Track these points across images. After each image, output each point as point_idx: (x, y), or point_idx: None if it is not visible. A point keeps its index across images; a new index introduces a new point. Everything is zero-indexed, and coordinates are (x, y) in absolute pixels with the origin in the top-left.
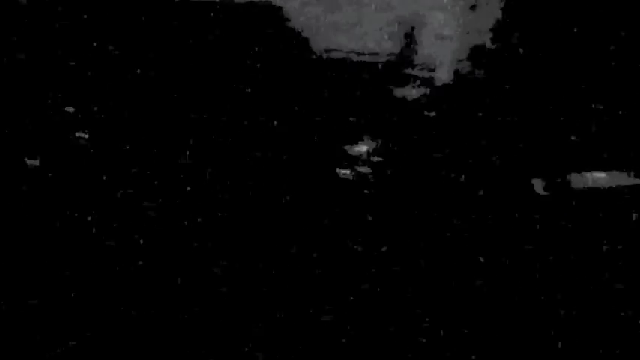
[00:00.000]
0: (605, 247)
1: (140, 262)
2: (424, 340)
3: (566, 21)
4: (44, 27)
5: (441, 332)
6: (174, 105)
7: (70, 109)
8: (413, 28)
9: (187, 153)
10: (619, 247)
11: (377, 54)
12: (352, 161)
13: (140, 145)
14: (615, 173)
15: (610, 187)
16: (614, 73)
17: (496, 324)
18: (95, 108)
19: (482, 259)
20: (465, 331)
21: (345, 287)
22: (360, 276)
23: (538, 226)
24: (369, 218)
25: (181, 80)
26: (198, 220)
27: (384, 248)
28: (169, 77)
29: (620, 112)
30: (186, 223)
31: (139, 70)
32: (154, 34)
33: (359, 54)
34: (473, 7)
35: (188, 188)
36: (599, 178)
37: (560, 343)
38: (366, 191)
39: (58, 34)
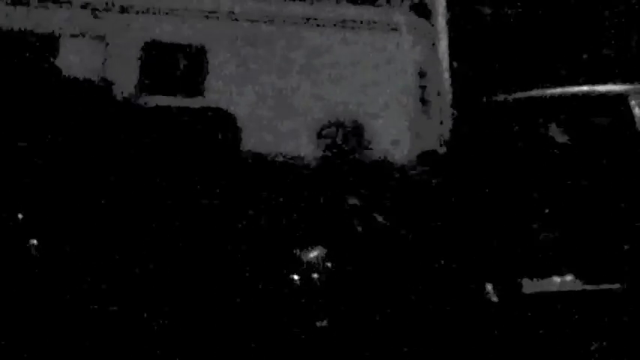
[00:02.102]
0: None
1: None
2: None
3: (513, 123)
4: None
5: None
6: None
7: None
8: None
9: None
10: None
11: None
12: (305, 267)
13: None
14: (568, 278)
15: (562, 292)
16: (566, 178)
17: None
18: None
19: None
20: None
21: None
22: None
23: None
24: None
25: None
26: None
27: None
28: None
29: (572, 218)
30: None
31: None
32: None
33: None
34: (426, 109)
35: None
36: (551, 283)
37: None
38: (318, 298)
39: None
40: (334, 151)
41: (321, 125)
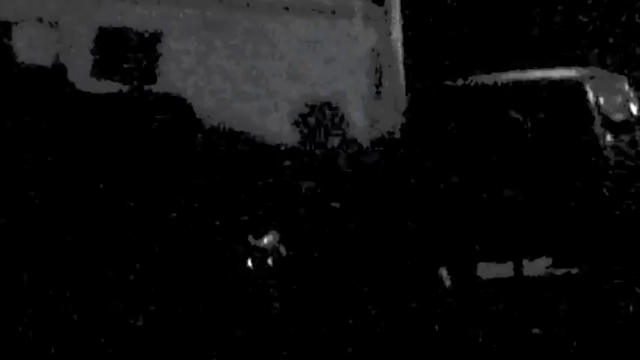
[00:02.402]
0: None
1: None
2: None
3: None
4: None
5: None
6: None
7: None
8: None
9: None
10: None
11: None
12: (258, 253)
13: None
14: (525, 262)
15: (519, 277)
16: (523, 167)
17: None
18: None
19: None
20: None
21: None
22: None
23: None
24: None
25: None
26: None
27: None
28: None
29: (529, 202)
30: None
31: None
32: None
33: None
34: (379, 95)
35: None
36: (507, 267)
37: None
38: (271, 284)
39: None
40: (301, 137)
41: (283, 110)
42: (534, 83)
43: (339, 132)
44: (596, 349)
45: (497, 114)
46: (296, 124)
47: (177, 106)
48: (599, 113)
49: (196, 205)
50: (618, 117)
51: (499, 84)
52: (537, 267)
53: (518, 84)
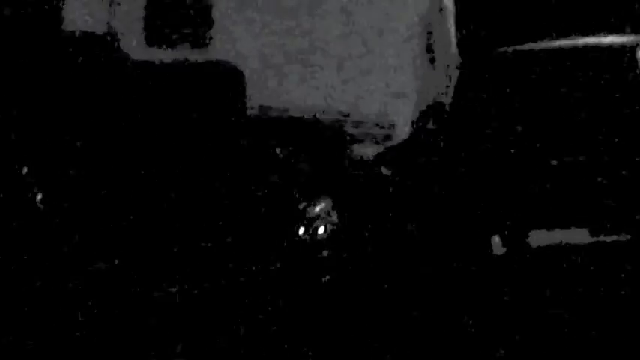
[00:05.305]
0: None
1: None
2: None
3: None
4: None
5: None
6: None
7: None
8: None
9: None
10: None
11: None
12: (310, 222)
13: None
14: (575, 230)
15: (569, 245)
16: (575, 130)
17: None
18: None
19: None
20: None
21: None
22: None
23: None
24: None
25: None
26: None
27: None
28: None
29: (580, 169)
30: None
31: None
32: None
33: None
34: (432, 62)
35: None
36: (558, 235)
37: None
38: (324, 252)
39: None
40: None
41: (329, 75)
42: (585, 50)
43: (389, 98)
44: None
45: (548, 81)
46: (348, 85)
47: (228, 74)
48: None
49: (248, 173)
50: None
51: (550, 50)
52: (587, 234)
53: (569, 50)
